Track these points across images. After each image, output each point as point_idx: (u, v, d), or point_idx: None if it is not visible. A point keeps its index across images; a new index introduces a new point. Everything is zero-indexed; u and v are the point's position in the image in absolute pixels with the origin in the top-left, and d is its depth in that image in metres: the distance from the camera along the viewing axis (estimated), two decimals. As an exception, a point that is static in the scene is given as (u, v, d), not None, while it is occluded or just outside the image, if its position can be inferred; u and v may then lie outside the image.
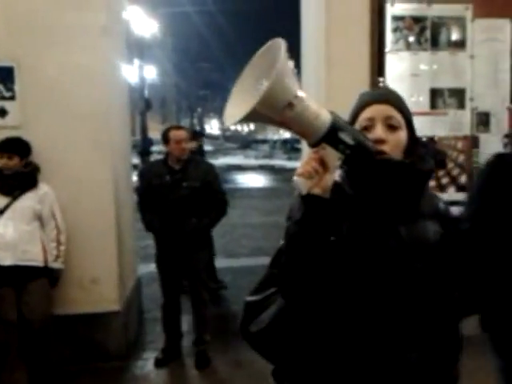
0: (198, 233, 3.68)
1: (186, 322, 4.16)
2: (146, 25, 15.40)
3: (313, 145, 1.17)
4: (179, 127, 3.89)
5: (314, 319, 1.27)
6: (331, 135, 1.15)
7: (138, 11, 15.80)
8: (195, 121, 61.57)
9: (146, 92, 17.62)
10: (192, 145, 4.56)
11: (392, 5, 3.82)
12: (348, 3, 3.73)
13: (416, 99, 3.93)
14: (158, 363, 3.76)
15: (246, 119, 1.12)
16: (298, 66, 4.70)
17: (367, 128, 1.31)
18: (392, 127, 1.30)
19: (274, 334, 1.32)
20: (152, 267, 6.35)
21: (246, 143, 40.03)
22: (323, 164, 1.16)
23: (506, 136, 4.06)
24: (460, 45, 3.95)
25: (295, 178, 1.17)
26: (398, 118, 1.31)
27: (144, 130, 17.44)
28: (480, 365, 2.12)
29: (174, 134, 3.68)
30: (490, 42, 3.97)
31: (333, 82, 3.76)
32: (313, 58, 4.03)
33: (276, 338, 1.32)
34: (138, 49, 16.46)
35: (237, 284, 5.60)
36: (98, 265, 3.68)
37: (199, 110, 63.28)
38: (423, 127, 3.93)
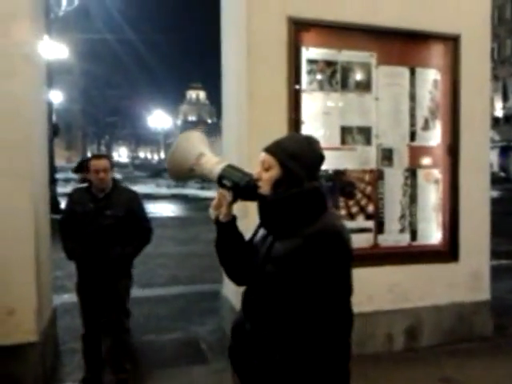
0: (123, 261, 3.69)
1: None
2: (56, 49, 15.01)
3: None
4: (100, 156, 3.84)
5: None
6: (219, 182, 1.85)
7: (46, 36, 15.33)
8: (103, 148, 59.87)
9: (54, 117, 16.99)
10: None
11: (307, 49, 4.17)
12: (268, 46, 4.02)
13: (328, 135, 4.28)
14: None
15: (173, 179, 2.14)
16: (220, 100, 4.92)
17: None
18: (265, 169, 1.81)
19: None
20: (65, 298, 6.19)
21: (156, 172, 39.49)
22: (223, 199, 1.85)
23: (407, 170, 4.52)
24: (366, 87, 4.38)
25: (210, 209, 1.88)
26: (269, 161, 1.80)
27: (51, 156, 16.73)
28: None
29: (94, 163, 3.63)
30: (392, 86, 4.44)
31: (254, 119, 4.00)
32: (234, 97, 4.26)
33: None
34: (47, 74, 15.92)
35: (153, 314, 5.58)
36: (15, 295, 3.57)
37: (107, 137, 61.69)
38: (335, 161, 4.29)
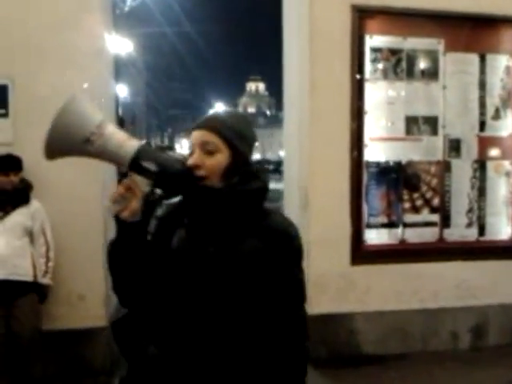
0: None
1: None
2: (121, 44, 15.51)
3: (126, 172, 1.34)
4: (164, 147, 4.00)
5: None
6: (135, 164, 1.28)
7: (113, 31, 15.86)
8: (166, 140, 61.40)
9: (120, 110, 17.62)
10: None
11: (371, 37, 4.08)
12: (330, 35, 3.96)
13: (392, 125, 4.17)
14: None
15: (49, 156, 1.32)
16: (279, 91, 4.91)
17: (192, 153, 1.41)
18: (209, 152, 1.38)
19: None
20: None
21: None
22: (132, 190, 1.30)
23: (476, 162, 4.33)
24: (433, 75, 4.22)
25: (106, 202, 1.33)
26: (215, 142, 1.38)
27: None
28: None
29: None
30: (461, 74, 4.26)
31: (315, 108, 3.97)
32: (296, 86, 4.22)
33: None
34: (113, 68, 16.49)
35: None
36: (86, 281, 3.73)
37: (170, 129, 63.23)
38: (399, 152, 4.18)
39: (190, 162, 1.37)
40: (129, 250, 1.35)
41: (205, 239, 1.41)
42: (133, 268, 1.36)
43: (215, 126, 1.41)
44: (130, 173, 1.30)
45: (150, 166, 1.28)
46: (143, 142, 1.33)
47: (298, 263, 1.48)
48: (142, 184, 1.30)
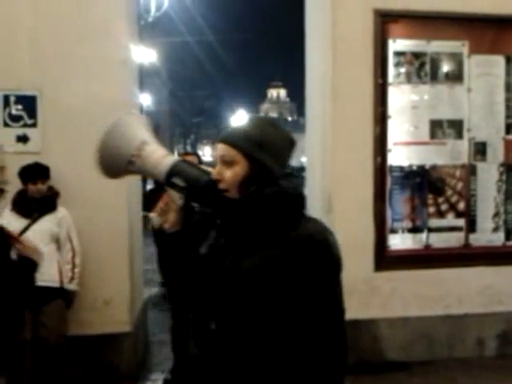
0: None
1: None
2: (145, 54, 15.72)
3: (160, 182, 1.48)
4: (189, 153, 4.09)
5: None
6: (169, 180, 1.41)
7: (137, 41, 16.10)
8: (188, 147, 61.83)
9: (143, 119, 17.82)
10: None
11: (394, 41, 4.06)
12: (353, 39, 3.95)
13: (416, 129, 4.14)
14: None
15: (106, 175, 1.53)
16: (301, 97, 4.92)
17: (215, 167, 1.46)
18: (227, 164, 1.41)
19: None
20: (154, 291, 6.47)
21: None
22: (169, 204, 1.43)
23: (502, 165, 4.26)
24: (457, 78, 4.17)
25: (151, 215, 1.43)
26: (231, 154, 1.40)
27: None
28: None
29: (187, 159, 3.82)
30: (486, 77, 4.20)
31: (338, 113, 3.96)
32: (318, 90, 4.23)
33: None
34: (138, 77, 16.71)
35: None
36: (111, 287, 3.78)
37: (192, 136, 63.62)
38: (423, 156, 4.14)
39: (212, 175, 1.41)
40: (173, 258, 1.47)
41: (226, 249, 1.43)
42: (179, 273, 1.48)
43: (231, 138, 1.43)
44: (167, 188, 1.42)
45: (179, 181, 1.39)
46: (177, 158, 1.45)
47: (331, 275, 1.40)
48: (176, 198, 1.42)
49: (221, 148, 1.43)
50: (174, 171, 1.39)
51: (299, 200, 1.44)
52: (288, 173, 1.47)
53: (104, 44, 3.72)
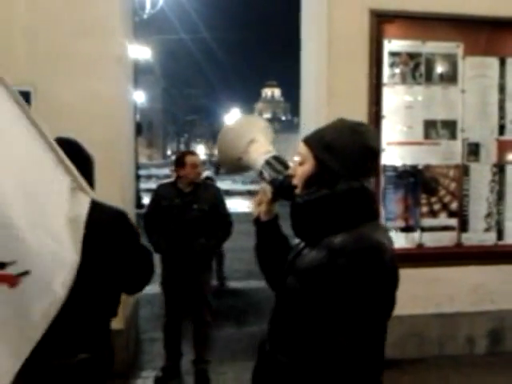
0: (206, 253, 3.83)
1: (186, 344, 4.22)
2: (139, 51, 15.68)
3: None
4: (193, 153, 4.06)
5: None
6: (260, 174, 1.63)
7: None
8: (182, 145, 61.73)
9: (138, 117, 17.77)
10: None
11: (389, 41, 4.08)
12: (349, 39, 3.97)
13: (410, 129, 4.16)
14: (158, 381, 3.82)
15: (225, 170, 1.86)
16: (295, 96, 4.93)
17: None
18: (300, 162, 1.51)
19: None
20: (145, 289, 6.45)
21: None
22: (263, 195, 1.63)
23: (495, 165, 4.30)
24: (452, 79, 4.20)
25: (249, 205, 1.60)
26: (303, 153, 1.50)
27: (135, 154, 17.48)
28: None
29: (190, 158, 3.83)
30: (480, 78, 4.24)
31: (333, 112, 3.94)
32: (313, 90, 4.24)
33: None
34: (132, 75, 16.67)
35: (231, 307, 5.72)
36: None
37: (186, 135, 63.49)
38: (417, 156, 4.17)
39: (289, 171, 1.57)
40: (267, 245, 1.67)
41: (298, 245, 1.56)
42: (274, 259, 1.64)
43: (307, 137, 1.53)
44: (262, 181, 1.63)
45: (266, 176, 1.61)
46: (272, 155, 1.63)
47: (381, 282, 1.37)
48: (267, 190, 1.61)
49: (300, 147, 1.53)
50: (265, 167, 1.60)
51: (355, 203, 1.43)
52: (359, 176, 1.45)
53: (99, 41, 3.71)
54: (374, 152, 1.48)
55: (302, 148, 1.50)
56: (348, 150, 1.43)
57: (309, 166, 1.47)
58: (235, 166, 1.75)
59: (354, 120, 1.51)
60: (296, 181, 1.50)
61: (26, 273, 1.50)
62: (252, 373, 1.64)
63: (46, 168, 1.67)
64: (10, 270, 1.48)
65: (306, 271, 1.42)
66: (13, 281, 1.49)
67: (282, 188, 1.55)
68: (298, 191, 1.49)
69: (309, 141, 1.50)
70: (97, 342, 1.90)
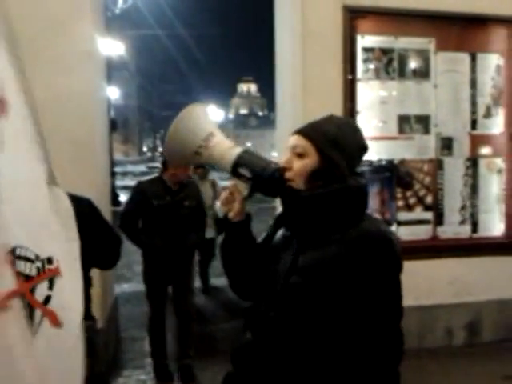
0: (197, 247, 4.05)
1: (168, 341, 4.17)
2: (112, 46, 15.47)
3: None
4: None
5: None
6: (234, 171, 1.44)
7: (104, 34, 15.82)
8: (158, 142, 61.29)
9: (112, 113, 17.55)
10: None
11: (362, 37, 4.11)
12: (322, 35, 3.98)
13: (385, 124, 4.20)
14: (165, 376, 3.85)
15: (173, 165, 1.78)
16: (271, 92, 4.93)
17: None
18: (298, 155, 1.45)
19: None
20: (124, 288, 6.40)
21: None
22: (234, 194, 1.48)
23: (468, 159, 4.37)
24: (424, 75, 4.26)
25: (217, 204, 1.53)
26: (304, 146, 1.44)
27: (110, 150, 17.28)
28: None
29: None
30: (452, 73, 4.30)
31: (308, 108, 3.98)
32: (288, 86, 4.24)
33: None
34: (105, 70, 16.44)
35: (216, 303, 5.75)
36: (81, 283, 3.72)
37: (162, 131, 63.04)
38: (392, 150, 4.21)
39: (281, 163, 1.46)
40: (236, 247, 1.54)
41: (291, 242, 1.48)
42: (242, 263, 1.55)
43: (307, 131, 1.47)
44: (233, 178, 1.47)
45: (245, 172, 1.43)
46: (243, 149, 1.47)
47: (392, 273, 1.41)
48: (242, 188, 1.47)
49: (294, 139, 1.47)
50: (240, 162, 1.43)
51: (363, 199, 1.47)
52: (356, 173, 1.48)
53: (68, 35, 3.62)
54: (366, 149, 1.52)
55: (301, 141, 1.45)
56: (351, 147, 1.45)
57: (311, 161, 1.43)
58: (188, 161, 1.61)
59: (344, 116, 1.56)
60: (292, 175, 1.43)
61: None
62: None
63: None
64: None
65: (316, 268, 1.39)
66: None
67: (270, 182, 1.42)
68: (296, 186, 1.43)
69: (310, 134, 1.45)
70: None
